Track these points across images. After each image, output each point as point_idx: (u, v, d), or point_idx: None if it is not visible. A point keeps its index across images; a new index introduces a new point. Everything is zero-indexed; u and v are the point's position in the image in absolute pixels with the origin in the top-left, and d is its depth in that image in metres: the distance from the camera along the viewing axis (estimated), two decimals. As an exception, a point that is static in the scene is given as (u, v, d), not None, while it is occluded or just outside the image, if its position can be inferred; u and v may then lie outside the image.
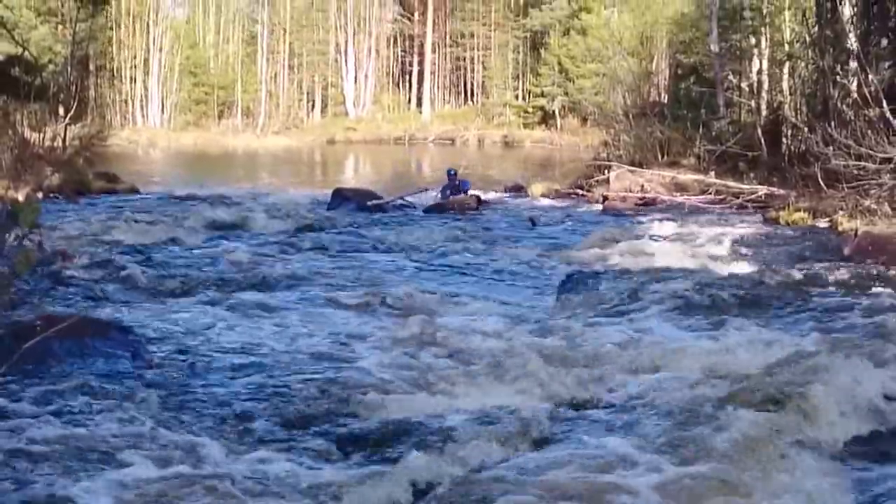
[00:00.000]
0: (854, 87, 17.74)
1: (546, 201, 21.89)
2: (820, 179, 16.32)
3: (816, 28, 20.57)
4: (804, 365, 6.66)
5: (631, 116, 25.30)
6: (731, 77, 24.96)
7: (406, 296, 9.84)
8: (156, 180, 26.43)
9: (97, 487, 4.80)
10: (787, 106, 22.61)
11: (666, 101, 30.02)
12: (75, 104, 26.72)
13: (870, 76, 16.35)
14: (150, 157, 44.78)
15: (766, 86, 24.42)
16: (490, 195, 21.97)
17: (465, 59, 69.72)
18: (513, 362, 6.98)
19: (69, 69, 32.79)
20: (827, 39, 19.74)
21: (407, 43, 71.33)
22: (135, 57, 59.03)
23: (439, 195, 20.08)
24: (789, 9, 24.70)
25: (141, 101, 58.91)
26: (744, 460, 5.09)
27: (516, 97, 66.25)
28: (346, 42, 68.24)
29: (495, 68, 67.58)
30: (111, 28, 56.83)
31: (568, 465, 5.04)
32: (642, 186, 20.77)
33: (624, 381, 6.79)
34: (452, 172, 20.27)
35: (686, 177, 20.83)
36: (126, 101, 58.60)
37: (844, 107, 18.05)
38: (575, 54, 57.57)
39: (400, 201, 20.07)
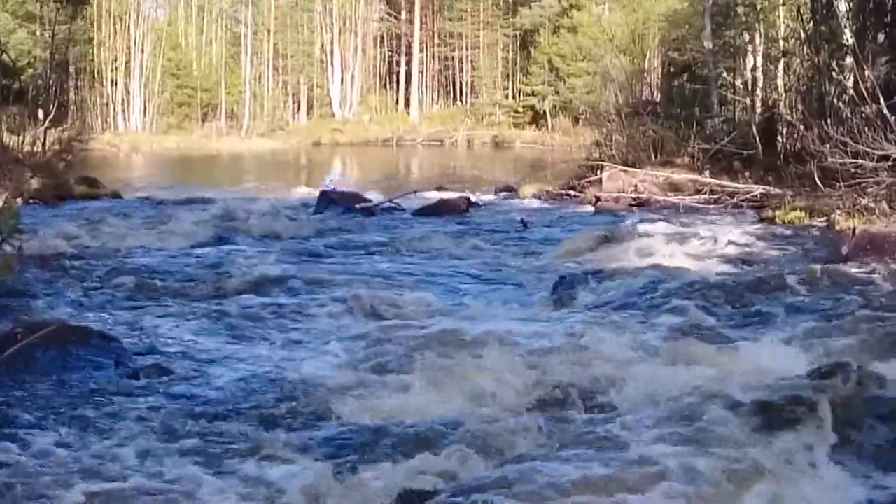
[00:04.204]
0: (850, 83, 17.66)
1: (537, 203, 21.72)
2: (816, 178, 16.29)
3: (812, 24, 20.49)
4: (802, 365, 6.64)
5: (623, 115, 25.22)
6: (725, 74, 24.91)
7: (395, 299, 9.79)
8: (138, 185, 26.35)
9: (75, 499, 4.75)
10: (782, 103, 22.58)
11: (659, 99, 29.97)
12: (55, 107, 26.80)
13: (866, 72, 16.30)
14: (132, 161, 44.68)
15: (760, 83, 24.32)
16: (480, 197, 21.72)
17: (453, 59, 69.39)
18: (505, 365, 6.92)
19: (48, 72, 32.60)
20: (822, 35, 19.64)
21: (394, 42, 70.98)
22: (115, 59, 58.49)
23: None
24: (784, 4, 24.58)
25: (122, 103, 58.37)
26: (743, 465, 4.96)
27: (506, 97, 65.97)
28: (332, 42, 67.77)
29: (484, 68, 67.28)
30: (91, 30, 56.35)
31: (555, 471, 4.92)
32: (635, 187, 20.51)
33: (616, 383, 6.63)
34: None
35: (680, 176, 20.60)
36: (107, 104, 58.04)
37: (841, 104, 18.00)
38: (566, 53, 57.32)
39: (388, 204, 19.92)
